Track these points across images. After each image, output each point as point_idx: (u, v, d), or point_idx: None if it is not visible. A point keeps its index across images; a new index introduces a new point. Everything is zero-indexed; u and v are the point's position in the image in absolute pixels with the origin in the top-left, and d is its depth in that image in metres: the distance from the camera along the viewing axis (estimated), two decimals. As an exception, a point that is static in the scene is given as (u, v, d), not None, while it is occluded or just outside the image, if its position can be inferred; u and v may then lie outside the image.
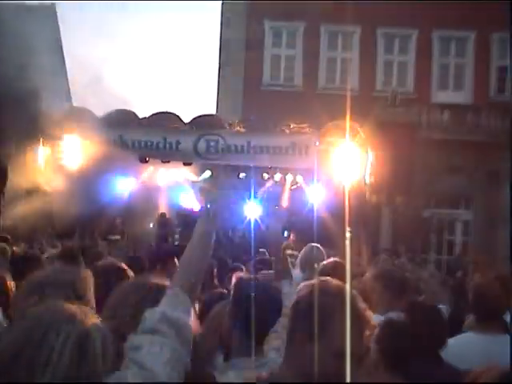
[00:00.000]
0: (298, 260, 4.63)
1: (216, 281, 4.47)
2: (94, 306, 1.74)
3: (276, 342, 2.09)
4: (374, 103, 11.97)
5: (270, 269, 4.18)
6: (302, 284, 1.58)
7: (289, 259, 2.72)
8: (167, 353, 1.26)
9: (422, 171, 10.89)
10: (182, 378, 1.28)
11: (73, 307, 1.20)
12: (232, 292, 2.11)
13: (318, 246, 4.47)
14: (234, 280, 2.17)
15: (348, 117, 10.24)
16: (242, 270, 4.45)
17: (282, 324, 2.07)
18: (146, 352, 1.25)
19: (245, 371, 1.81)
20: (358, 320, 1.43)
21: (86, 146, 10.22)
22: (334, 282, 1.54)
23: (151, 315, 1.33)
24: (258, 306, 1.95)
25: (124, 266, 2.55)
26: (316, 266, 4.18)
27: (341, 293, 1.46)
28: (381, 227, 10.89)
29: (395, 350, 2.13)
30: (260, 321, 1.94)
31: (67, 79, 17.38)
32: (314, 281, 1.55)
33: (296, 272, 3.97)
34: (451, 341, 2.51)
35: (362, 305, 1.48)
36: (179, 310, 1.34)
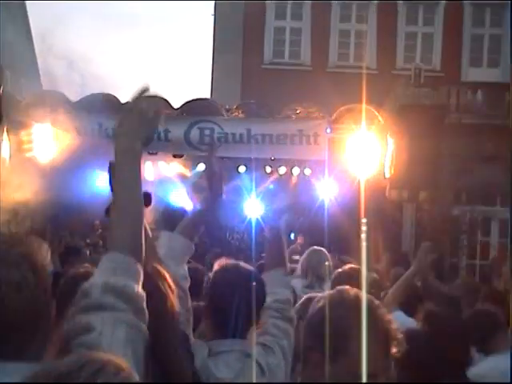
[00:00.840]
0: (299, 265, 4.65)
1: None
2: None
3: (263, 338, 2.12)
4: (395, 83, 11.93)
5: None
6: (309, 295, 1.59)
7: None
8: (122, 330, 1.21)
9: (450, 162, 10.87)
10: (142, 354, 1.24)
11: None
12: (211, 279, 2.16)
13: (322, 249, 4.50)
14: (215, 267, 2.22)
15: (364, 99, 10.22)
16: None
17: (273, 324, 2.13)
18: (97, 334, 1.18)
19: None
20: (383, 336, 1.41)
21: (60, 135, 10.24)
22: (353, 291, 1.52)
23: (92, 288, 1.26)
24: (238, 295, 1.99)
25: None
26: (326, 272, 4.20)
27: (361, 305, 1.45)
28: (403, 228, 10.89)
29: (421, 365, 2.13)
30: (240, 312, 1.98)
31: (35, 57, 17.40)
32: (330, 291, 1.55)
33: (294, 281, 3.98)
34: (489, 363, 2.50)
35: (386, 317, 1.47)
36: (124, 276, 1.27)
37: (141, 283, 1.31)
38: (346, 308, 1.43)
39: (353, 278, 3.19)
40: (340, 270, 3.65)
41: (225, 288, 2.04)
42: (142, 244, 1.40)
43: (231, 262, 2.22)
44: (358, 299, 1.46)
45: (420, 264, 3.69)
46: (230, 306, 1.99)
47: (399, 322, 3.28)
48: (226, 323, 2.03)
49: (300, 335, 1.66)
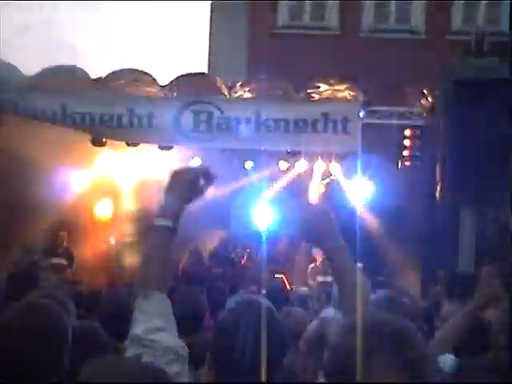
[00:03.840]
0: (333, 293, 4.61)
1: (209, 321, 4.52)
2: None
3: None
4: (450, 51, 11.91)
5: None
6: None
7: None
8: None
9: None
10: None
11: None
12: (216, 324, 2.20)
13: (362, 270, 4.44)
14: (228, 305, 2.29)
15: (409, 73, 10.22)
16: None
17: None
18: None
19: None
20: (421, 371, 1.53)
21: (9, 121, 10.31)
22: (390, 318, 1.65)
23: None
24: (251, 341, 2.01)
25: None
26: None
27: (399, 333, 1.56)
28: (459, 240, 10.85)
29: None
30: (252, 365, 2.00)
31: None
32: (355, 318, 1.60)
33: (328, 311, 3.96)
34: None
35: (426, 350, 1.59)
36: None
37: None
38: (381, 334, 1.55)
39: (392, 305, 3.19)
40: (374, 296, 3.64)
41: (233, 337, 2.06)
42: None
43: (244, 297, 2.35)
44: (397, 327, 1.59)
45: (484, 293, 3.58)
46: (240, 361, 2.02)
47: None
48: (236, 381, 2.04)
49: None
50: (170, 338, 2.09)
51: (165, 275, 2.25)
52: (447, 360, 3.43)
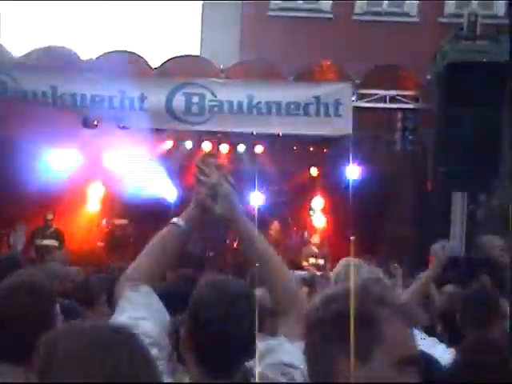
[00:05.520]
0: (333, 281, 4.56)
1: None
2: None
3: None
4: (441, 35, 11.85)
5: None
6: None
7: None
8: None
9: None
10: None
11: None
12: (192, 300, 2.19)
13: (356, 260, 4.36)
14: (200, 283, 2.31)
15: (400, 56, 10.15)
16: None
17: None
18: None
19: None
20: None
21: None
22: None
23: None
24: (228, 320, 2.03)
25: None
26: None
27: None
28: (450, 225, 10.84)
29: None
30: (232, 343, 2.03)
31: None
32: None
33: None
34: None
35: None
36: None
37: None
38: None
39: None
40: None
41: (210, 313, 2.06)
42: None
43: (218, 277, 2.34)
44: None
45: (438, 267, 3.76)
46: (217, 336, 2.02)
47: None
48: (215, 359, 2.05)
49: None
50: (151, 327, 2.12)
51: (160, 270, 2.32)
52: (440, 351, 3.40)
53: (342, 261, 4.43)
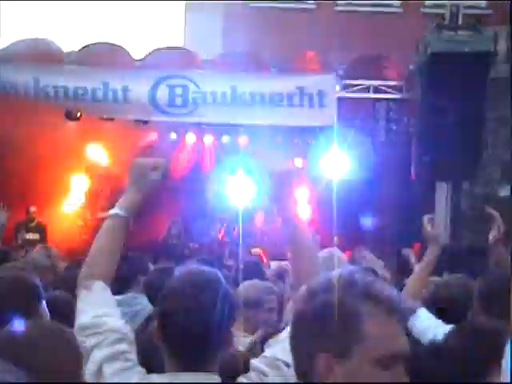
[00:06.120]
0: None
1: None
2: None
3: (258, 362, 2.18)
4: (424, 25, 11.86)
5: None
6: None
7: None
8: None
9: (496, 128, 10.88)
10: None
11: None
12: (163, 290, 2.19)
13: (338, 252, 4.37)
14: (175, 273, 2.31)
15: (384, 47, 10.15)
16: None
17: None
18: None
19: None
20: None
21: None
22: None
23: None
24: (198, 311, 2.02)
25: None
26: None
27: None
28: (435, 214, 10.89)
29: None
30: (204, 335, 2.02)
31: None
32: None
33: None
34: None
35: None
36: None
37: None
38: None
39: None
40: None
41: (174, 304, 2.05)
42: None
43: (193, 266, 2.31)
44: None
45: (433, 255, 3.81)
46: (188, 327, 2.00)
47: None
48: (183, 350, 2.04)
49: None
50: (115, 322, 2.18)
51: (111, 262, 2.31)
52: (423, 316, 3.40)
53: (322, 252, 4.38)
